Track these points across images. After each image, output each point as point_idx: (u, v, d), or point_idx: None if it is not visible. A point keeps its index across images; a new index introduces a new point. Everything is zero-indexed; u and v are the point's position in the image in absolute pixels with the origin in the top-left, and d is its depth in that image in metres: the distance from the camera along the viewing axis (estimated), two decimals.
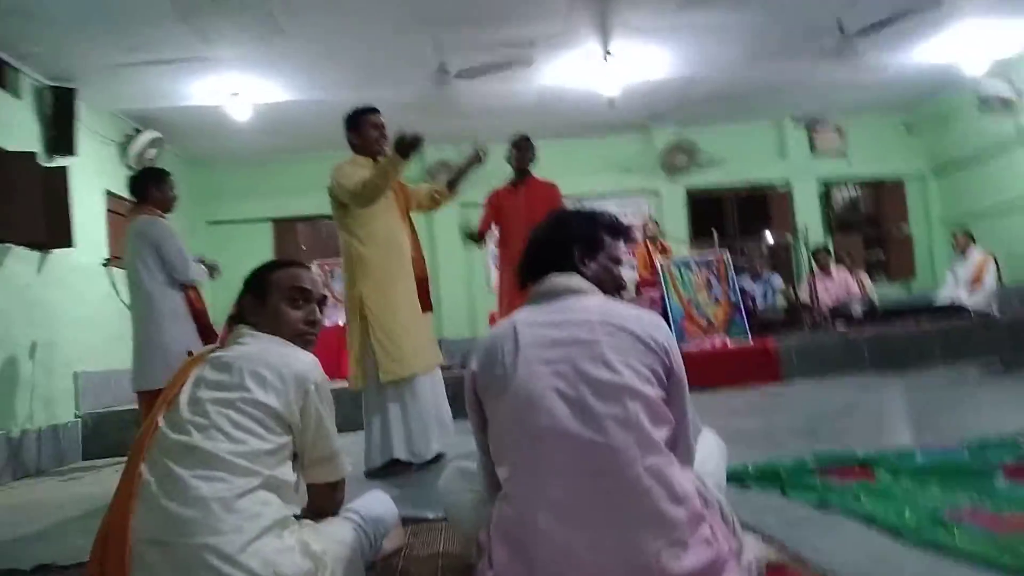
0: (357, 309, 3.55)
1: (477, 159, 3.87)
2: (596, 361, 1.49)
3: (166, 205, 4.27)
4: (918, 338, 6.16)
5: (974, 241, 7.87)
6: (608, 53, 6.56)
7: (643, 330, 1.55)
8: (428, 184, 4.00)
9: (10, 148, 5.21)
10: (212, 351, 1.75)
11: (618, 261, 1.79)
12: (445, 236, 8.91)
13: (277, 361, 1.66)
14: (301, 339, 1.82)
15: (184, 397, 1.61)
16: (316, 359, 1.75)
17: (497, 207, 4.80)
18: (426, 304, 3.76)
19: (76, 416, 5.66)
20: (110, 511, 1.53)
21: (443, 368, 3.89)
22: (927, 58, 7.47)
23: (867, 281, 8.33)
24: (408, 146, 3.34)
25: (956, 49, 7.20)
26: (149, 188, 4.20)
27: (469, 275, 9.22)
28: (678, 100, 8.19)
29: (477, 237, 4.84)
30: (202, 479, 1.48)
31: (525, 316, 1.63)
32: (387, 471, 3.50)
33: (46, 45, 5.36)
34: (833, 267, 8.16)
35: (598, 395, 1.45)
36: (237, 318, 1.84)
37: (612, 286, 1.76)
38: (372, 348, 3.49)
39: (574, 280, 1.67)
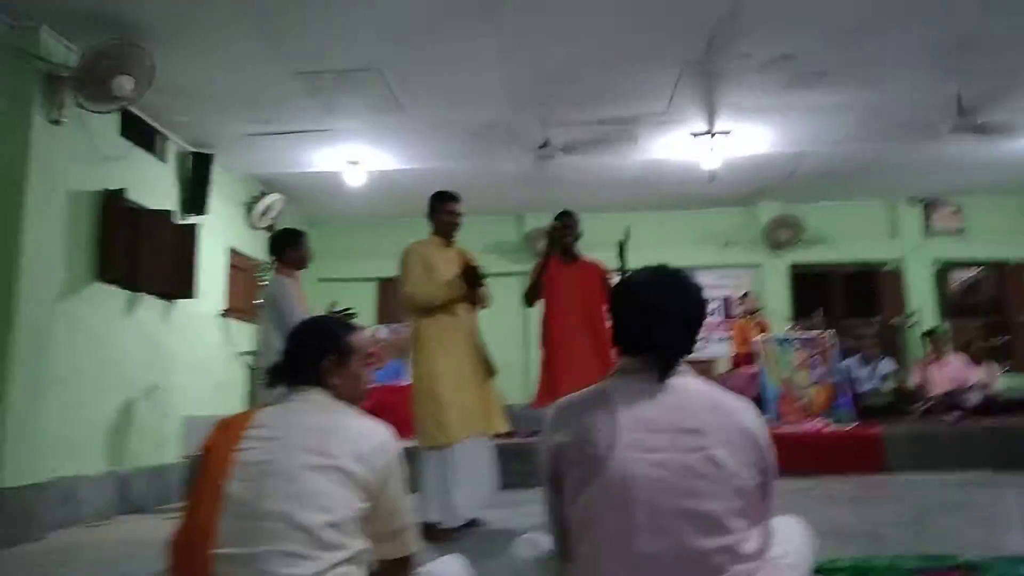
0: (413, 377, 3.83)
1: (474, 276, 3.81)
2: (701, 454, 1.42)
3: (301, 263, 4.52)
4: None
5: None
6: (712, 131, 6.62)
7: (749, 424, 1.49)
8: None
9: (152, 206, 5.79)
10: (264, 412, 1.71)
11: None
12: (501, 299, 8.99)
13: (364, 429, 1.67)
14: (362, 400, 1.84)
15: (255, 459, 1.57)
16: (392, 430, 1.73)
17: (549, 277, 4.27)
18: (488, 370, 3.93)
19: (182, 458, 6.01)
20: None
21: (507, 434, 3.96)
22: None
23: (994, 369, 7.72)
24: (474, 279, 3.65)
25: None
26: (286, 249, 4.47)
27: (525, 340, 8.94)
28: (783, 176, 8.10)
29: (531, 299, 4.33)
30: (287, 561, 1.45)
31: (621, 391, 1.52)
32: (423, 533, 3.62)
33: (192, 116, 5.96)
34: (951, 353, 7.68)
35: (700, 492, 1.39)
36: (306, 378, 1.76)
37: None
38: (419, 414, 3.71)
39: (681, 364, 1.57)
